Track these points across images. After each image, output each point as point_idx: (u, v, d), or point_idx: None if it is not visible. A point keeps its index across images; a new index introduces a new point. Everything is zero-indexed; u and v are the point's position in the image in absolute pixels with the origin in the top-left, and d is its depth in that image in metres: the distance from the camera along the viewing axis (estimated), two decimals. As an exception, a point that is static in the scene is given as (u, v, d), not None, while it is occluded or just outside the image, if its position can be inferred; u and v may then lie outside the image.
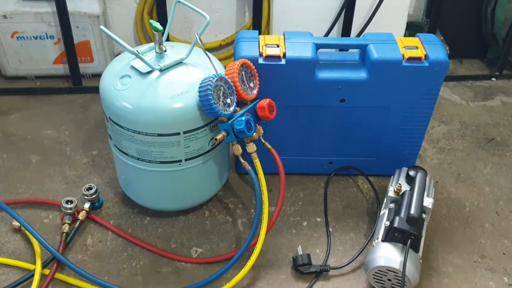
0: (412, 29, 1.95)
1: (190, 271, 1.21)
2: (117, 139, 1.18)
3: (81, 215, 1.29)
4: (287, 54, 1.22)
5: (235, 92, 1.14)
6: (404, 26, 1.81)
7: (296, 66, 1.22)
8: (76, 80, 1.77)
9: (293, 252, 1.26)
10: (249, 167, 1.18)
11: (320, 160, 1.43)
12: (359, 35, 1.78)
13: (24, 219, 1.23)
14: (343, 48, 1.48)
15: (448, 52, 1.87)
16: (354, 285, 1.20)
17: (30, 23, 1.66)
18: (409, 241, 1.10)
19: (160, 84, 1.12)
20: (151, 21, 1.11)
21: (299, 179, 1.46)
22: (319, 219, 1.35)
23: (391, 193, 1.23)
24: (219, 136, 1.12)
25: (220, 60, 1.29)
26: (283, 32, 1.29)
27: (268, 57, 1.22)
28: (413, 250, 1.12)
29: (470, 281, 1.21)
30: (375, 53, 1.22)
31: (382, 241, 1.14)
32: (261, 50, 1.23)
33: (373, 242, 1.17)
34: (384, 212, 1.23)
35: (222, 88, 1.12)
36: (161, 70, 1.13)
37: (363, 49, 1.26)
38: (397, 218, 1.12)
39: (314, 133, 1.36)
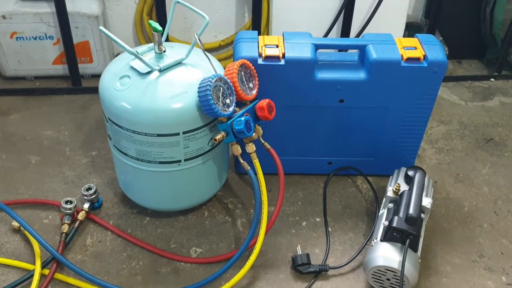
0: (411, 29, 1.95)
1: (190, 271, 1.22)
2: (117, 140, 1.18)
3: (81, 216, 1.29)
4: (286, 55, 1.22)
5: (235, 92, 1.14)
6: (403, 26, 1.81)
7: (295, 67, 1.22)
8: (76, 80, 1.77)
9: (292, 252, 1.26)
10: (249, 167, 1.18)
11: (319, 160, 1.43)
12: (358, 35, 1.78)
13: (24, 220, 1.23)
14: (342, 48, 1.48)
15: (447, 52, 1.87)
16: (353, 285, 1.20)
17: (29, 23, 1.67)
18: (407, 241, 1.10)
19: (160, 85, 1.12)
20: (151, 21, 1.11)
21: (299, 179, 1.46)
22: (318, 219, 1.35)
23: (390, 193, 1.24)
24: (218, 136, 1.12)
25: (219, 60, 1.30)
26: (283, 33, 1.29)
27: (268, 58, 1.22)
28: (412, 250, 1.12)
29: (469, 281, 1.22)
30: (374, 53, 1.22)
31: (381, 240, 1.15)
32: (260, 50, 1.23)
33: (372, 242, 1.17)
34: (383, 212, 1.23)
35: (221, 88, 1.12)
36: (160, 71, 1.13)
37: (362, 49, 1.26)
38: (396, 218, 1.12)
39: (313, 134, 1.36)
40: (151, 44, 1.18)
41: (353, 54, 1.30)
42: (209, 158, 1.23)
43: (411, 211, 1.12)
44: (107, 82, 1.15)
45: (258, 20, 1.75)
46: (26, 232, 1.24)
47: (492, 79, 1.94)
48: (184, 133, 1.13)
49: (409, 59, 1.22)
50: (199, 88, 1.09)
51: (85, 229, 1.30)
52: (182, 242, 1.28)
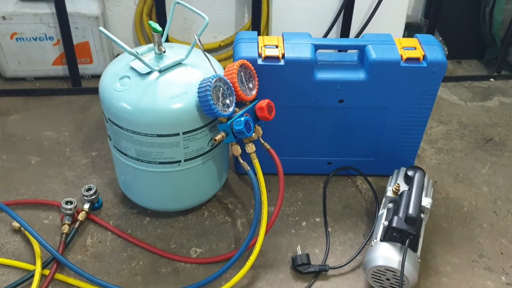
0: (411, 29, 1.95)
1: (190, 271, 1.22)
2: (117, 140, 1.18)
3: (81, 216, 1.29)
4: (286, 55, 1.22)
5: (234, 92, 1.14)
6: (403, 27, 1.81)
7: (295, 67, 1.22)
8: (76, 81, 1.77)
9: (292, 252, 1.26)
10: (248, 168, 1.18)
11: (319, 161, 1.44)
12: (357, 36, 1.78)
13: (24, 220, 1.24)
14: (341, 49, 1.49)
15: (447, 52, 1.87)
16: (353, 285, 1.20)
17: (29, 24, 1.67)
18: (407, 241, 1.10)
19: (159, 85, 1.12)
20: (150, 22, 1.11)
21: (298, 179, 1.46)
22: (318, 219, 1.35)
23: (389, 193, 1.24)
24: (218, 137, 1.12)
25: (219, 61, 1.30)
26: (282, 33, 1.29)
27: (267, 58, 1.22)
28: (411, 250, 1.12)
29: (468, 281, 1.22)
30: (373, 53, 1.22)
31: (381, 240, 1.15)
32: (260, 51, 1.23)
33: (372, 242, 1.18)
34: (383, 212, 1.24)
35: (221, 88, 1.12)
36: (160, 71, 1.13)
37: (362, 49, 1.26)
38: (395, 218, 1.12)
39: (313, 134, 1.36)
40: (151, 45, 1.18)
41: (353, 54, 1.30)
42: (209, 159, 1.23)
43: (410, 211, 1.12)
44: (107, 82, 1.15)
45: (258, 21, 1.75)
46: (26, 232, 1.24)
47: (491, 79, 1.94)
48: (184, 133, 1.13)
49: (408, 59, 1.22)
50: (199, 88, 1.09)
51: (85, 229, 1.30)
52: (182, 242, 1.28)
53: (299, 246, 1.26)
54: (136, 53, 1.10)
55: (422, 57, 1.23)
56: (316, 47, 1.25)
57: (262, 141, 1.23)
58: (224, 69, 1.18)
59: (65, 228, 1.24)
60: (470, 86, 1.90)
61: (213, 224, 1.33)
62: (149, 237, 1.29)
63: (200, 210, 1.36)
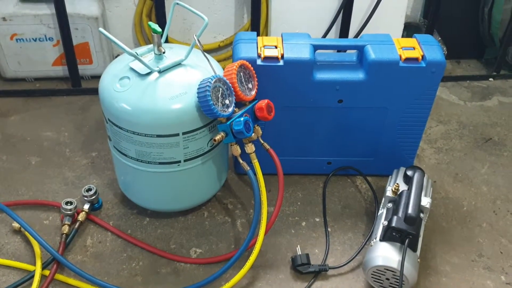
0: (410, 29, 1.95)
1: (190, 271, 1.22)
2: (117, 140, 1.19)
3: (81, 216, 1.29)
4: (285, 55, 1.22)
5: (234, 93, 1.15)
6: (402, 27, 1.82)
7: (294, 67, 1.23)
8: (75, 81, 1.77)
9: (292, 252, 1.26)
10: (248, 168, 1.18)
11: (318, 161, 1.44)
12: (356, 36, 1.79)
13: (24, 220, 1.24)
14: (340, 49, 1.49)
15: (446, 52, 1.88)
16: (352, 285, 1.20)
17: (29, 25, 1.67)
18: (407, 241, 1.11)
19: (159, 86, 1.12)
20: (150, 22, 1.12)
21: (298, 179, 1.46)
22: (317, 219, 1.36)
23: (389, 193, 1.24)
24: (218, 137, 1.13)
25: (218, 61, 1.30)
26: (281, 34, 1.29)
27: (266, 58, 1.22)
28: (411, 250, 1.13)
29: (468, 280, 1.22)
30: (372, 54, 1.22)
31: (380, 240, 1.15)
32: (259, 51, 1.24)
33: (372, 242, 1.18)
34: (382, 211, 1.24)
35: (220, 89, 1.12)
36: (160, 72, 1.14)
37: (361, 50, 1.26)
38: (395, 217, 1.13)
39: (312, 134, 1.37)
40: (151, 45, 1.18)
41: (352, 54, 1.31)
42: (209, 159, 1.23)
43: (410, 210, 1.12)
44: (107, 83, 1.15)
45: (257, 21, 1.76)
46: (26, 233, 1.24)
47: (490, 79, 1.94)
48: (183, 133, 1.13)
49: (407, 59, 1.23)
50: (198, 89, 1.09)
51: (85, 230, 1.30)
52: (182, 242, 1.28)
53: (298, 246, 1.26)
54: (135, 53, 1.10)
55: (421, 57, 1.23)
56: (315, 47, 1.25)
57: (262, 141, 1.23)
58: (224, 69, 1.18)
59: (65, 229, 1.25)
60: (469, 86, 1.90)
61: (213, 224, 1.33)
62: (149, 238, 1.29)
63: (200, 210, 1.36)
